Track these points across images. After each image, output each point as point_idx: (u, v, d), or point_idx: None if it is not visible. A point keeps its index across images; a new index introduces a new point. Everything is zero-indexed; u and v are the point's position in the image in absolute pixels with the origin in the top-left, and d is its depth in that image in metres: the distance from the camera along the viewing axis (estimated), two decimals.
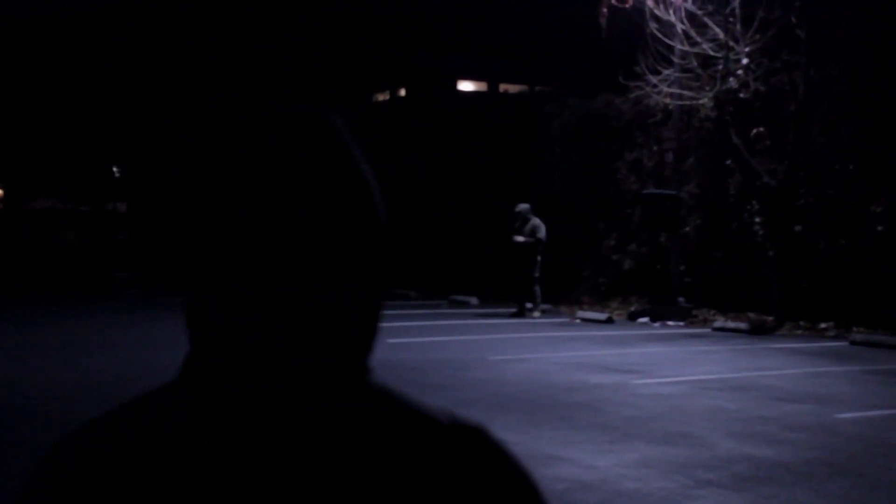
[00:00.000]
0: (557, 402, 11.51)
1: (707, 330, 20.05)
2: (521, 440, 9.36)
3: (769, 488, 8.00)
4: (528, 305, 22.45)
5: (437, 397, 11.02)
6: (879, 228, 18.95)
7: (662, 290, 22.54)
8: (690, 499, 7.66)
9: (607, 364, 14.71)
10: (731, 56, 20.90)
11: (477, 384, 12.75)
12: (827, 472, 8.54)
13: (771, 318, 20.05)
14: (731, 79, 21.09)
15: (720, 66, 21.10)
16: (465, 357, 15.27)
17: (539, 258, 22.15)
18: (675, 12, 21.29)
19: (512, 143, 28.72)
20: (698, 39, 21.08)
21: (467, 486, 1.14)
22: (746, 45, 20.73)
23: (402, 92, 40.32)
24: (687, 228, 22.79)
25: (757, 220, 21.24)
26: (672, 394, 12.22)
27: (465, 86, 40.32)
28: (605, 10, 21.89)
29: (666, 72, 21.87)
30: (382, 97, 41.55)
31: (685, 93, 21.75)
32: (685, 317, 21.29)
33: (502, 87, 38.96)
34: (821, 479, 8.31)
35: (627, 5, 21.51)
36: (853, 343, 17.64)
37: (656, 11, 21.35)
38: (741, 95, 21.05)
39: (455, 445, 1.17)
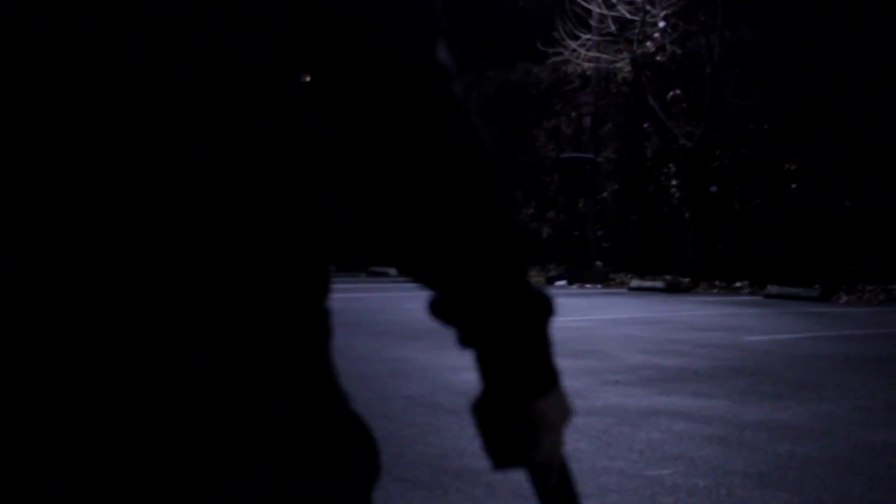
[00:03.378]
0: None
1: (623, 290, 20.08)
2: (430, 356, 9.31)
3: (675, 385, 7.94)
4: None
5: (350, 331, 10.94)
6: (794, 186, 19.11)
7: (580, 256, 22.55)
8: (596, 393, 7.58)
9: None
10: (648, 19, 20.96)
11: (390, 321, 12.59)
12: (733, 374, 8.52)
13: (687, 280, 20.13)
14: (648, 42, 21.16)
15: (637, 30, 21.15)
16: (378, 306, 15.11)
17: None
18: None
19: None
20: (615, 2, 21.12)
21: None
22: (663, 9, 20.80)
23: None
24: (605, 194, 22.82)
25: (673, 182, 21.32)
26: (584, 327, 12.16)
27: None
28: None
29: (584, 36, 21.89)
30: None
31: (603, 56, 21.78)
32: (602, 280, 21.30)
33: None
34: (726, 378, 8.28)
35: None
36: (767, 296, 17.77)
37: None
38: (658, 59, 21.14)
39: None
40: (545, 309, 1.15)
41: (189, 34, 0.95)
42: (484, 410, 1.15)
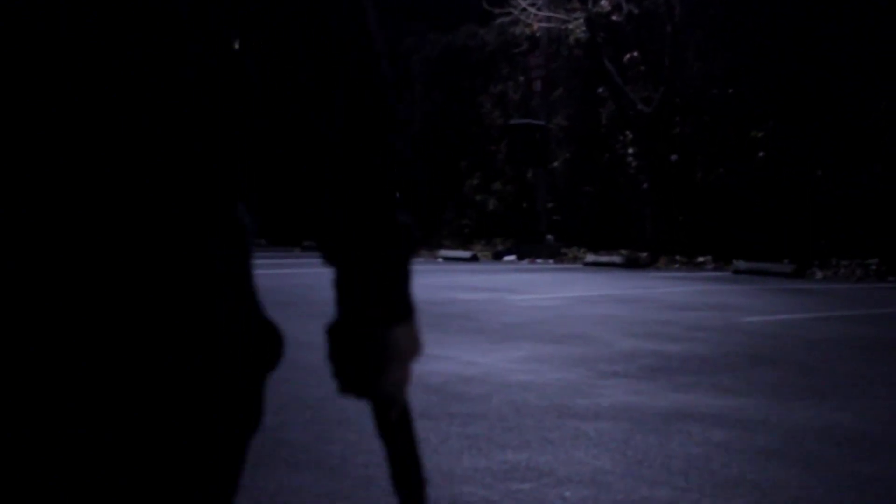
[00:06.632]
0: (425, 313, 9.93)
1: (578, 266, 18.83)
2: None
3: (687, 377, 6.60)
4: None
5: (287, 312, 9.57)
6: (761, 154, 17.91)
7: (530, 230, 21.27)
8: (598, 389, 6.21)
9: (477, 286, 13.29)
10: None
11: (330, 301, 11.17)
12: (750, 363, 7.21)
13: (646, 254, 18.91)
14: (603, 1, 19.84)
15: None
16: (315, 282, 13.68)
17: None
18: None
19: None
20: None
21: None
22: None
23: None
24: (556, 163, 21.52)
25: (630, 150, 20.08)
26: (553, 306, 10.84)
27: None
28: None
29: None
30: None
31: (555, 16, 20.41)
32: (554, 255, 20.05)
33: None
34: (745, 369, 6.96)
35: None
36: (736, 272, 16.60)
37: None
38: (614, 18, 19.81)
39: None
40: (407, 240, 1.12)
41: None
42: (336, 333, 1.15)
